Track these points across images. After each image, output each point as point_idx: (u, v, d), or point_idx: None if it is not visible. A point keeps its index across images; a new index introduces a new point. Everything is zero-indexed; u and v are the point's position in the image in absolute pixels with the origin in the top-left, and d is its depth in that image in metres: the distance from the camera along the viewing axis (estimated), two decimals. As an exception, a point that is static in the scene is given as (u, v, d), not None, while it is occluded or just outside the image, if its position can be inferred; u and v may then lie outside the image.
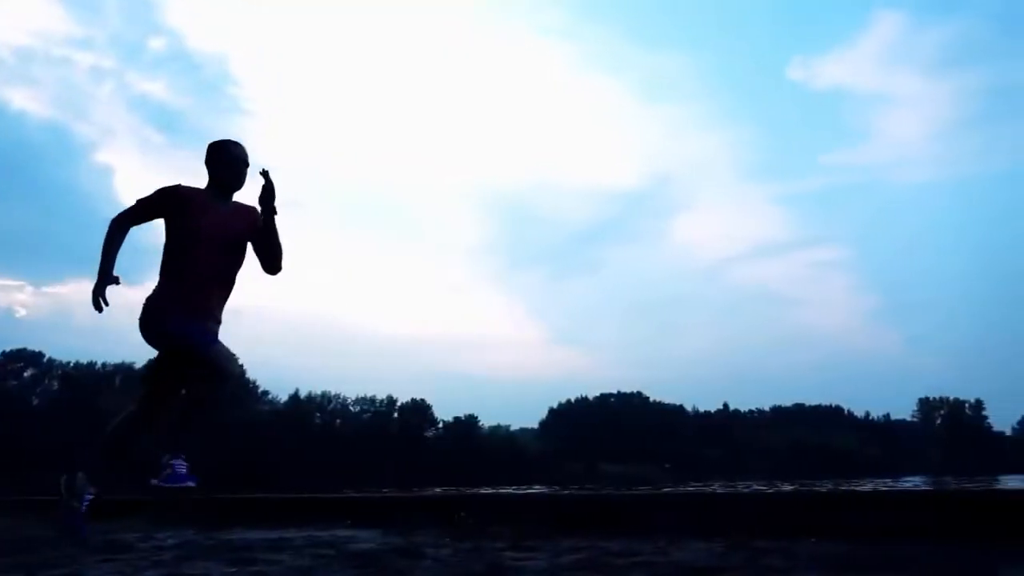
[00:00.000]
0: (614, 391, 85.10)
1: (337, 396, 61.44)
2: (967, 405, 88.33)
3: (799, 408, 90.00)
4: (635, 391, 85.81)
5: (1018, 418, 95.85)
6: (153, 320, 2.92)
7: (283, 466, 42.94)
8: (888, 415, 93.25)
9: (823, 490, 2.49)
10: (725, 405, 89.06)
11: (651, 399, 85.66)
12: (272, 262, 3.14)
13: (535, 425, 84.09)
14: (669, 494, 3.26)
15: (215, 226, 3.01)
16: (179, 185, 3.08)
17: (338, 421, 62.11)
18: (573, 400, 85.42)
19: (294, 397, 59.44)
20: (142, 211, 3.05)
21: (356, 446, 54.82)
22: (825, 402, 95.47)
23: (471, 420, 70.33)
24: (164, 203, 3.04)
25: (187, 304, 2.93)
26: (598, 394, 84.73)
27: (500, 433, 72.59)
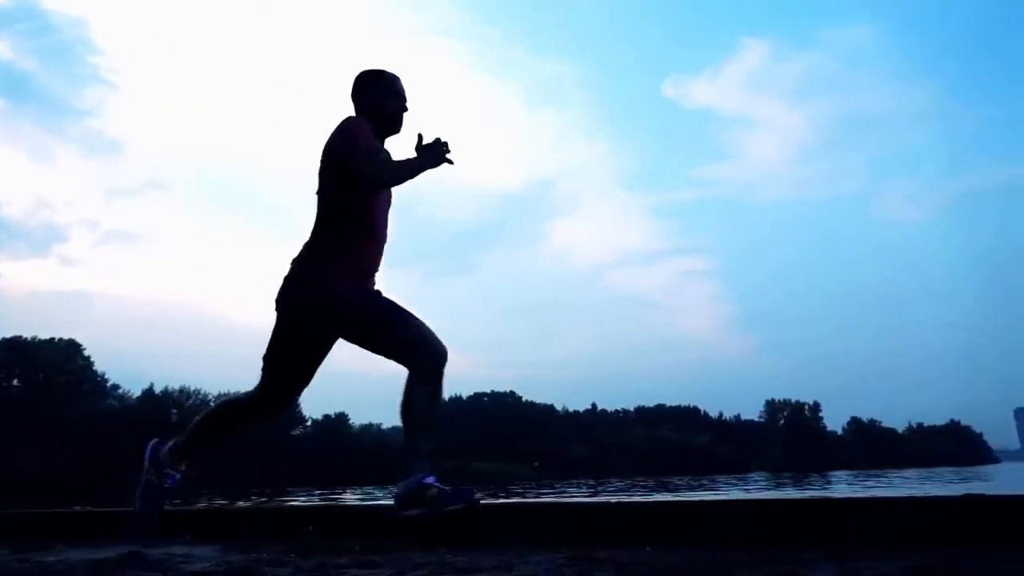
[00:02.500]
0: (487, 391, 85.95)
1: (197, 391, 57.77)
2: (806, 407, 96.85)
3: (660, 408, 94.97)
4: (508, 391, 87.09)
5: (847, 419, 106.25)
6: (316, 283, 2.36)
7: (132, 469, 39.89)
8: (739, 415, 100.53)
9: (665, 500, 2.65)
10: (593, 405, 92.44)
11: (523, 399, 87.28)
12: None
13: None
14: (524, 504, 3.31)
15: None
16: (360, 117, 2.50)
17: (196, 419, 58.41)
18: (447, 399, 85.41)
19: (148, 392, 55.38)
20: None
21: (216, 445, 51.93)
22: (684, 403, 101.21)
23: (341, 418, 68.61)
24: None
25: (360, 265, 2.42)
26: (472, 393, 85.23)
27: (371, 432, 71.23)
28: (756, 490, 18.32)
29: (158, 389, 55.88)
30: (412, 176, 2.31)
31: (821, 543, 2.11)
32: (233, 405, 2.69)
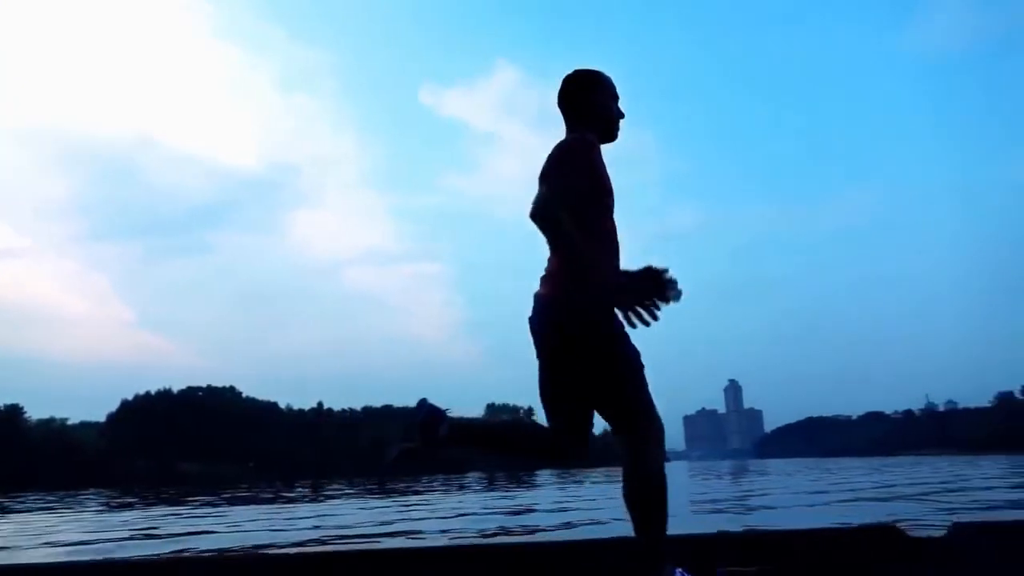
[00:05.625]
0: (203, 384, 79.39)
1: None
2: (522, 411, 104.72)
3: (388, 409, 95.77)
4: (228, 385, 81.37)
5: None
6: (595, 307, 1.99)
7: None
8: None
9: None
10: (320, 404, 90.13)
11: (244, 395, 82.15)
12: None
13: (102, 419, 73.52)
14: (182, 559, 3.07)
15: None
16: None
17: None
18: (153, 392, 77.07)
19: None
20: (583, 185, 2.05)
21: None
22: (412, 404, 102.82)
23: (14, 411, 58.32)
24: (596, 158, 2.13)
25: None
26: (184, 387, 78.05)
27: (52, 427, 61.53)
28: (469, 490, 19.46)
29: None
30: (582, 271, 2.00)
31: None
32: (539, 440, 2.25)
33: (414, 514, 9.37)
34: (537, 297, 2.11)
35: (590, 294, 1.98)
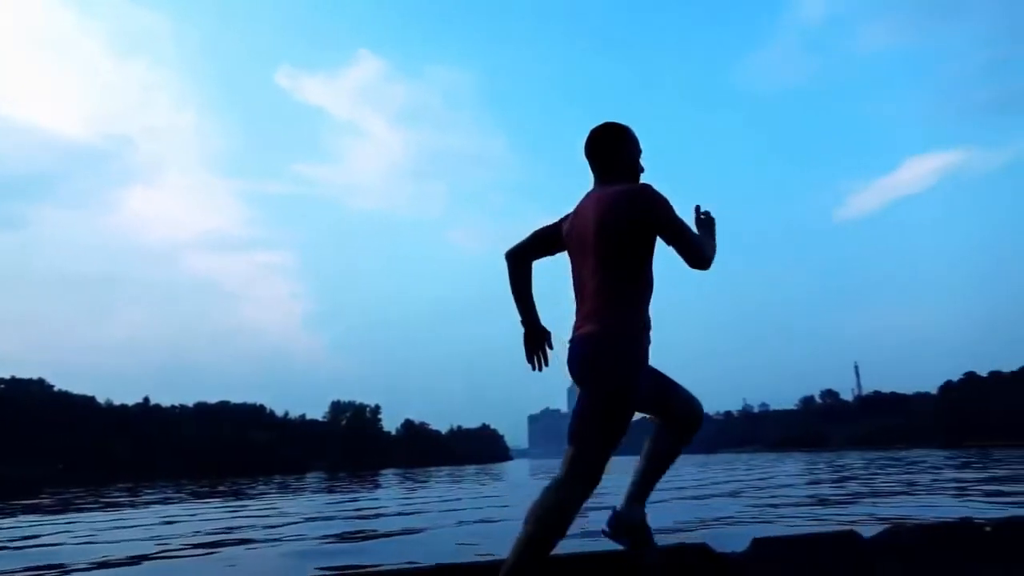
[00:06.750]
0: (7, 376, 70.71)
1: None
2: (368, 409, 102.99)
3: (224, 405, 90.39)
4: (36, 377, 73.02)
5: (402, 420, 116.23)
6: (634, 360, 2.19)
7: None
8: (304, 415, 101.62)
9: None
10: (146, 399, 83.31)
11: (56, 388, 74.05)
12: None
13: None
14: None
15: None
16: None
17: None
18: (-62, 384, 67.39)
19: None
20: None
21: None
22: (250, 400, 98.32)
23: None
24: None
25: (646, 341, 2.26)
26: (-18, 379, 68.97)
27: None
28: (308, 491, 18.83)
29: None
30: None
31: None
32: (560, 505, 2.13)
33: (241, 521, 8.95)
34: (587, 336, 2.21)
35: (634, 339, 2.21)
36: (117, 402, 79.26)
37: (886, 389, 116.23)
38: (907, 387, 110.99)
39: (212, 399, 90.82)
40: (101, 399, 77.96)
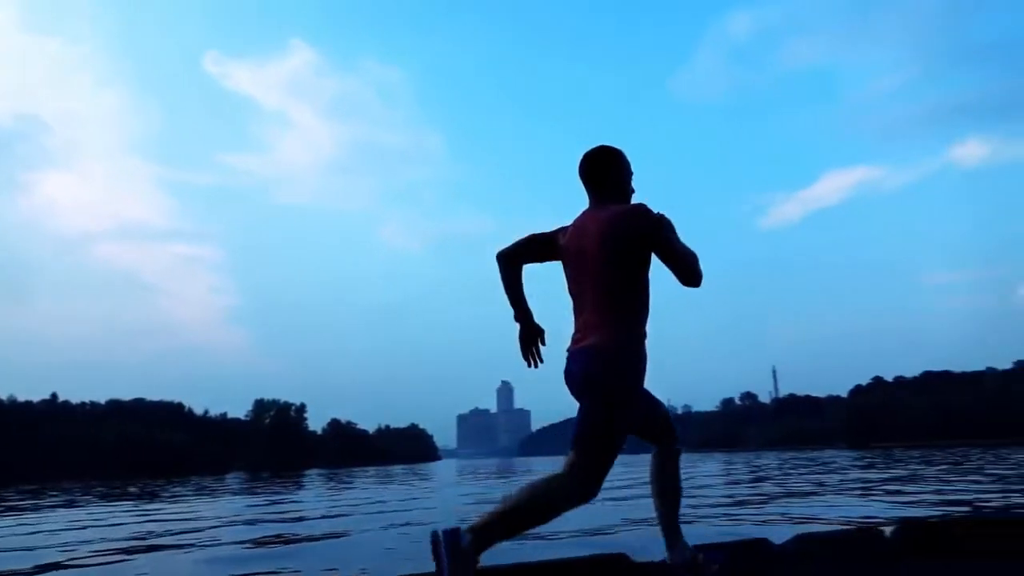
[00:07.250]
0: None
1: None
2: (293, 408, 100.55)
3: (140, 402, 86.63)
4: (-72, 372, 67.94)
5: (329, 419, 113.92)
6: (635, 371, 2.28)
7: None
8: (226, 413, 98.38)
9: None
10: (54, 395, 78.88)
11: (-50, 383, 69.13)
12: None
13: None
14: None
15: None
16: None
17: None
18: None
19: None
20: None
21: None
22: (168, 397, 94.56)
23: None
24: None
25: (645, 354, 2.35)
26: None
27: None
28: (227, 493, 18.27)
29: None
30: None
31: None
32: (550, 495, 2.22)
33: (154, 526, 8.61)
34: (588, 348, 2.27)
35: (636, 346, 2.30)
36: (21, 398, 74.79)
37: (801, 392, 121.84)
38: (820, 390, 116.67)
39: (126, 396, 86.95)
40: (3, 394, 73.35)
